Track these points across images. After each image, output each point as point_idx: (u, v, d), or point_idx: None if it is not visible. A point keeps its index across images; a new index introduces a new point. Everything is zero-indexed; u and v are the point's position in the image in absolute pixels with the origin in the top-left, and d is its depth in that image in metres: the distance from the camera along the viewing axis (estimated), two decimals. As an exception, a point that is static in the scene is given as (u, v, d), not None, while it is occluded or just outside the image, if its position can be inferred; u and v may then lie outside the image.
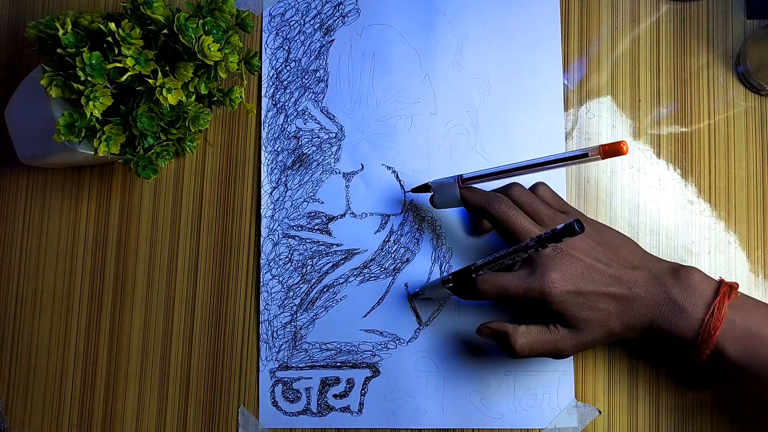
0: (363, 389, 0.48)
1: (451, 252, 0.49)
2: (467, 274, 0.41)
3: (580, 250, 0.40)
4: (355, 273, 0.49)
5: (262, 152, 0.50)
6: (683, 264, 0.41)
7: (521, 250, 0.37)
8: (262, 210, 0.50)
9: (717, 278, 0.41)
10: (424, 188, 0.47)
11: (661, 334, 0.40)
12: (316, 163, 0.50)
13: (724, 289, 0.39)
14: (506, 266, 0.40)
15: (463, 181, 0.44)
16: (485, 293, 0.41)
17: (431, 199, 0.47)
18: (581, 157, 0.38)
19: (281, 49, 0.51)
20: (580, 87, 0.50)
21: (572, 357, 0.48)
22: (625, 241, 0.43)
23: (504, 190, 0.43)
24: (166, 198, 0.50)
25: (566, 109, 0.50)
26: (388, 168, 0.50)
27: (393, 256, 0.49)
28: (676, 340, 0.39)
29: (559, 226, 0.34)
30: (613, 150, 0.37)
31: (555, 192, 0.45)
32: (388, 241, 0.49)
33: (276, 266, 0.49)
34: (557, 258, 0.39)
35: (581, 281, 0.39)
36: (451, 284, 0.43)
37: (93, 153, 0.42)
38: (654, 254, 0.43)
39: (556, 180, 0.49)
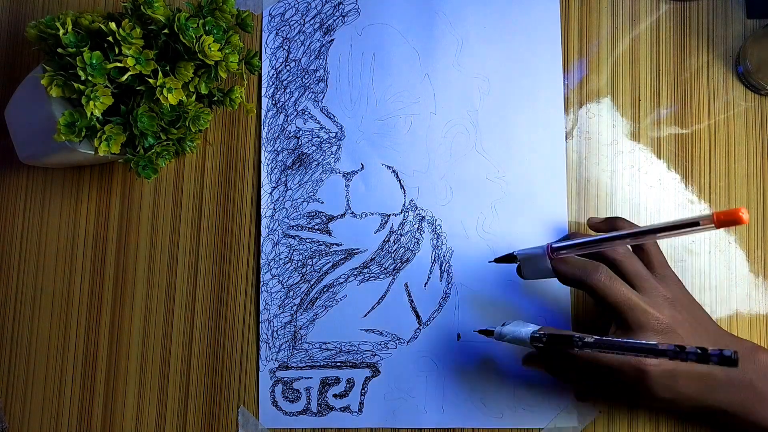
0: (363, 389, 0.48)
1: (451, 251, 0.49)
2: (568, 344, 0.37)
3: (679, 323, 0.39)
4: (355, 273, 0.49)
5: (262, 152, 0.50)
6: (757, 345, 0.41)
7: (647, 351, 0.33)
8: (262, 210, 0.50)
9: None
10: (509, 258, 0.44)
11: (734, 418, 0.39)
12: (316, 162, 0.50)
13: None
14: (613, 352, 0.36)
15: (554, 251, 0.40)
16: (582, 367, 0.39)
17: (518, 270, 0.43)
18: (690, 225, 0.34)
19: (281, 48, 0.51)
20: (580, 87, 0.51)
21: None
22: (711, 322, 0.42)
23: (606, 253, 0.41)
24: (166, 198, 0.50)
25: (566, 108, 0.50)
26: (388, 167, 0.50)
27: (393, 255, 0.49)
28: (750, 426, 0.39)
29: (712, 352, 0.31)
30: (729, 219, 0.32)
31: (659, 248, 0.43)
32: (388, 240, 0.49)
33: (276, 266, 0.49)
34: (658, 334, 0.38)
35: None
36: (541, 344, 0.39)
37: (93, 152, 0.42)
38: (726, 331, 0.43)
39: (557, 180, 0.49)
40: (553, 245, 0.40)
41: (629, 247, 0.42)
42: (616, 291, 0.38)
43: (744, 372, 0.39)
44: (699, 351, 0.31)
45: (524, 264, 0.43)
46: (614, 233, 0.38)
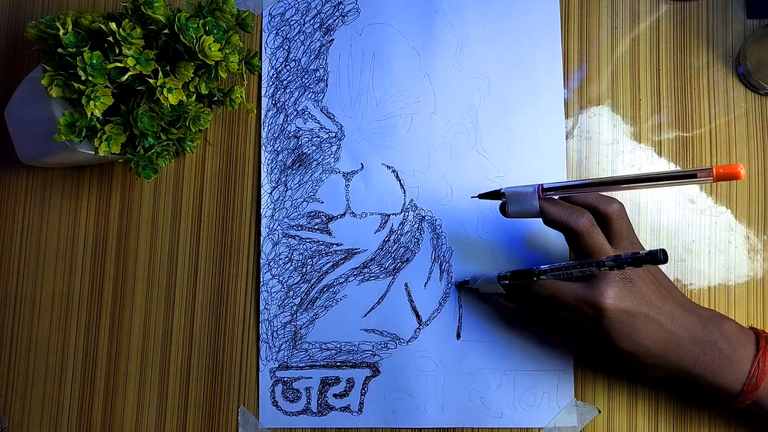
0: (363, 389, 0.48)
1: (451, 251, 0.49)
2: (528, 276, 0.41)
3: (642, 279, 0.40)
4: (355, 273, 0.49)
5: (262, 152, 0.50)
6: (724, 315, 0.42)
7: (596, 265, 0.37)
8: (262, 209, 0.50)
9: (749, 327, 0.42)
10: (494, 195, 0.43)
11: (700, 380, 0.40)
12: (316, 162, 0.50)
13: (763, 342, 0.40)
14: (568, 278, 0.39)
15: (544, 191, 0.41)
16: (541, 297, 0.41)
17: (502, 207, 0.43)
18: (688, 177, 0.36)
19: (281, 48, 0.51)
20: (580, 87, 0.51)
21: (571, 355, 0.48)
22: (676, 288, 0.43)
23: (600, 208, 0.41)
24: (166, 198, 0.50)
25: (566, 108, 0.50)
26: (388, 167, 0.50)
27: (393, 255, 0.49)
28: (717, 389, 0.40)
29: (643, 252, 0.34)
30: (727, 174, 0.34)
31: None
32: (388, 240, 0.49)
33: (276, 266, 0.49)
34: (617, 278, 0.39)
35: (637, 305, 0.39)
36: (507, 281, 0.43)
37: (93, 153, 0.42)
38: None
39: (557, 179, 0.49)
40: (545, 186, 0.41)
41: (623, 206, 0.42)
42: (594, 239, 0.39)
43: (709, 332, 0.39)
44: (632, 254, 0.35)
45: (510, 201, 0.42)
46: (609, 177, 0.40)
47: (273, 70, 0.51)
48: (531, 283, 0.41)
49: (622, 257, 0.36)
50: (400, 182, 0.50)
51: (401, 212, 0.50)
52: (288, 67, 0.51)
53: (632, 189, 0.39)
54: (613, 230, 0.41)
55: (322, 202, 0.50)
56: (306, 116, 0.50)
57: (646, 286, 0.40)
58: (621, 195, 0.50)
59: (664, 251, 0.34)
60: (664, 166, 0.50)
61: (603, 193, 0.41)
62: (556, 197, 0.41)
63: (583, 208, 0.41)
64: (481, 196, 0.44)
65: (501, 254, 0.49)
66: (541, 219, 0.41)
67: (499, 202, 0.43)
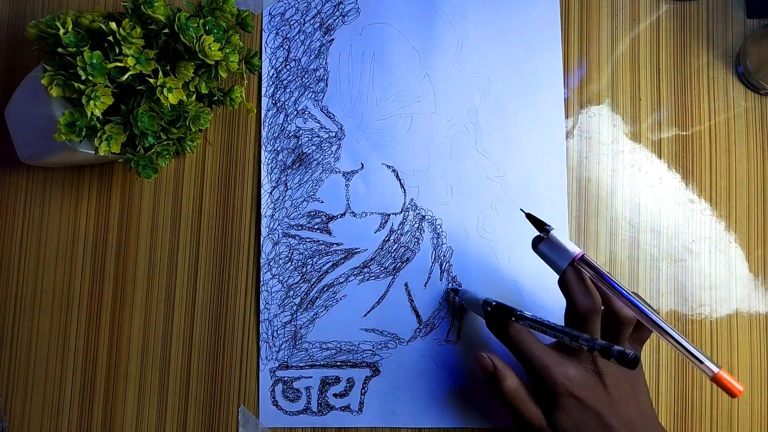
0: (363, 388, 0.48)
1: (451, 251, 0.49)
2: (509, 314, 0.40)
3: (613, 377, 0.39)
4: (355, 272, 0.49)
5: (262, 151, 0.50)
6: None
7: (570, 337, 0.36)
8: (262, 209, 0.50)
9: None
10: (539, 226, 0.41)
11: None
12: (316, 162, 0.50)
13: None
14: (543, 333, 0.38)
15: (580, 260, 0.39)
16: (510, 339, 0.40)
17: (536, 240, 0.42)
18: (697, 360, 0.35)
19: (281, 48, 0.51)
20: (580, 86, 0.51)
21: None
22: (649, 403, 0.41)
23: (613, 305, 0.39)
24: (166, 197, 0.50)
25: (566, 108, 0.50)
26: (388, 167, 0.50)
27: (393, 255, 0.49)
28: None
29: (615, 348, 0.33)
30: (727, 386, 0.34)
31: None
32: (388, 240, 0.49)
33: (276, 265, 0.49)
34: (588, 365, 0.39)
35: (595, 399, 0.38)
36: (489, 309, 0.42)
37: (93, 152, 0.42)
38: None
39: (557, 180, 0.49)
40: (585, 258, 0.39)
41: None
42: (590, 327, 0.39)
43: None
44: (605, 344, 0.33)
45: (548, 245, 0.41)
46: (650, 310, 0.37)
47: (273, 70, 0.51)
48: (509, 325, 0.41)
49: (596, 341, 0.34)
50: (400, 182, 0.50)
51: (401, 212, 0.49)
52: (288, 67, 0.51)
53: (647, 325, 0.37)
54: (621, 335, 0.39)
55: (322, 202, 0.50)
56: (306, 116, 0.50)
57: (615, 386, 0.39)
58: (620, 195, 0.50)
59: (635, 356, 0.32)
60: (665, 165, 0.50)
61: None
62: (586, 273, 0.40)
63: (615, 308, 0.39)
64: (529, 217, 0.42)
65: (501, 254, 0.49)
66: (561, 279, 0.40)
67: (535, 233, 0.42)
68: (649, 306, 0.38)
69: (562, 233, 0.41)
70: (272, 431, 0.48)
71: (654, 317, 0.37)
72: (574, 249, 0.40)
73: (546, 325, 0.37)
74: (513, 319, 0.40)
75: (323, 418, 0.48)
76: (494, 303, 0.42)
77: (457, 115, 0.50)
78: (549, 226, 0.41)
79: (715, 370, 0.34)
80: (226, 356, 0.49)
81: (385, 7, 0.51)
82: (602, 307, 0.39)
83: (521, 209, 0.44)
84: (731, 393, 0.34)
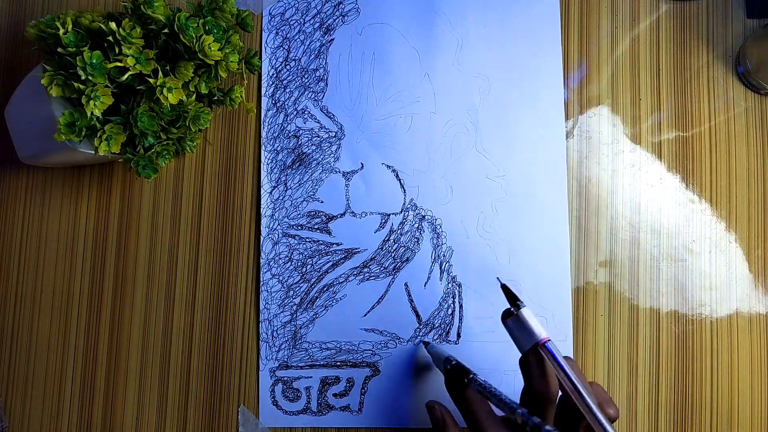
0: (363, 388, 0.48)
1: (451, 251, 0.49)
2: (462, 376, 0.40)
3: None
4: (355, 272, 0.49)
5: (262, 151, 0.50)
6: None
7: (509, 411, 0.35)
8: (261, 209, 0.50)
9: None
10: (511, 299, 0.40)
11: None
12: (315, 162, 0.50)
13: None
14: (496, 404, 0.37)
15: (542, 346, 0.38)
16: (463, 401, 0.40)
17: (506, 313, 0.41)
18: None
19: (281, 48, 0.51)
20: (581, 86, 0.51)
21: (571, 355, 0.48)
22: None
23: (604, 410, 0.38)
24: (166, 197, 0.50)
25: (567, 108, 0.50)
26: (388, 167, 0.50)
27: (393, 255, 0.49)
28: None
29: (545, 428, 0.33)
30: None
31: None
32: (388, 240, 0.49)
33: (276, 265, 0.49)
34: None
35: None
36: (448, 367, 0.42)
37: (93, 152, 0.42)
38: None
39: (557, 179, 0.49)
40: (548, 344, 0.38)
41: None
42: (545, 412, 0.38)
43: None
44: (538, 422, 0.33)
45: (517, 322, 0.40)
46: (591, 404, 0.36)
47: (273, 70, 0.51)
48: (466, 387, 0.40)
49: (529, 418, 0.34)
50: (400, 182, 0.50)
51: (401, 212, 0.49)
52: (288, 67, 0.51)
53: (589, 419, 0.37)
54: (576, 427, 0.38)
55: (322, 202, 0.50)
56: (306, 116, 0.50)
57: None
58: (620, 194, 0.50)
59: None
60: (665, 165, 0.50)
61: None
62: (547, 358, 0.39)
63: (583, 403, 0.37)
64: (504, 289, 0.41)
65: (501, 254, 0.49)
66: (522, 358, 0.39)
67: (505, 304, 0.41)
68: (603, 404, 0.37)
69: (531, 312, 0.39)
70: (272, 431, 0.48)
71: (601, 419, 0.35)
72: (540, 333, 0.39)
73: (491, 393, 0.37)
74: (465, 380, 0.40)
75: (323, 418, 0.48)
76: (454, 362, 0.42)
77: (457, 115, 0.50)
78: (522, 302, 0.40)
79: None
80: (226, 356, 0.49)
81: (385, 7, 0.51)
82: (560, 394, 0.38)
83: (498, 278, 0.44)
84: None
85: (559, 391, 0.38)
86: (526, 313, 0.39)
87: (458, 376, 0.41)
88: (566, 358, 0.39)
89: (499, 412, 0.40)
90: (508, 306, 0.40)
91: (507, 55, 0.51)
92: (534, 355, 0.38)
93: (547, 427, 0.33)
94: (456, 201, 0.49)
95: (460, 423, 0.42)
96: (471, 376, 0.40)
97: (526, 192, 0.49)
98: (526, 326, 0.39)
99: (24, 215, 0.50)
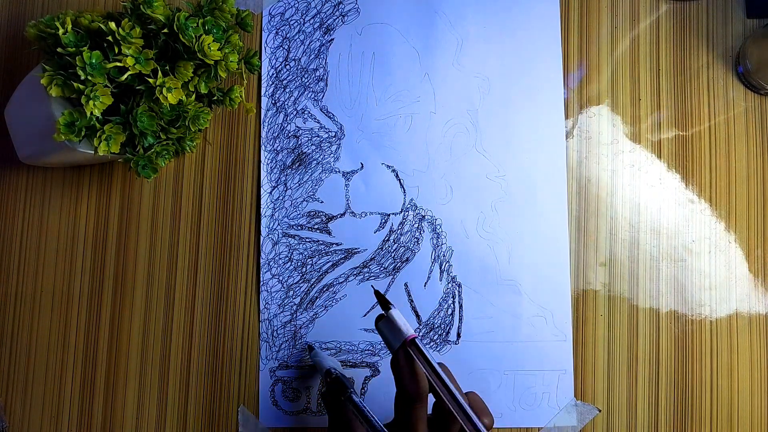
0: (363, 388, 0.48)
1: (451, 251, 0.49)
2: (342, 391, 0.40)
3: None
4: (354, 272, 0.49)
5: (262, 151, 0.50)
6: None
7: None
8: (261, 209, 0.50)
9: None
10: (383, 304, 0.40)
11: None
12: (315, 162, 0.50)
13: None
14: (366, 421, 0.38)
15: (410, 344, 0.38)
16: (339, 417, 0.40)
17: (378, 318, 0.40)
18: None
19: (281, 48, 0.51)
20: (580, 86, 0.50)
21: (571, 355, 0.48)
22: None
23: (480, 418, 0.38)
24: (165, 197, 0.50)
25: (566, 108, 0.50)
26: (388, 167, 0.50)
27: (393, 255, 0.49)
28: None
29: None
30: None
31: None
32: (388, 240, 0.49)
33: (276, 265, 0.49)
34: None
35: None
36: (328, 380, 0.41)
37: (93, 152, 0.42)
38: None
39: (557, 179, 0.49)
40: (417, 340, 0.38)
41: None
42: (414, 417, 0.38)
43: None
44: None
45: (388, 324, 0.39)
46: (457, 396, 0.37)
47: (273, 70, 0.51)
48: (345, 406, 0.39)
49: None
50: (399, 182, 0.50)
51: (401, 212, 0.49)
52: (288, 67, 0.51)
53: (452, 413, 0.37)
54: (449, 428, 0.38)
55: (322, 202, 0.50)
56: (306, 116, 0.50)
57: None
58: (620, 194, 0.50)
59: None
60: (664, 165, 0.50)
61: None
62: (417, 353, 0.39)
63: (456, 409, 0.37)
64: (377, 295, 0.41)
65: (501, 254, 0.49)
66: (392, 358, 0.39)
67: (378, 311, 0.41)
68: (478, 413, 0.37)
69: (400, 313, 0.39)
70: (272, 431, 0.48)
71: (471, 414, 0.36)
72: (408, 330, 0.38)
73: (364, 416, 0.37)
74: (342, 398, 0.39)
75: (323, 418, 0.48)
76: (334, 375, 0.41)
77: (456, 115, 0.50)
78: (392, 305, 0.40)
79: None
80: (226, 356, 0.49)
81: (385, 7, 0.51)
82: (433, 401, 0.38)
83: (372, 286, 0.45)
84: None
85: (432, 397, 0.38)
86: (395, 313, 0.39)
87: (337, 389, 0.40)
88: (439, 363, 0.39)
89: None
90: (379, 313, 0.40)
91: (507, 55, 0.51)
92: (404, 354, 0.38)
93: None
94: (456, 201, 0.49)
95: None
96: (348, 393, 0.39)
97: (526, 192, 0.49)
98: (395, 326, 0.39)
99: (24, 215, 0.50)
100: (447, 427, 0.38)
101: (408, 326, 0.39)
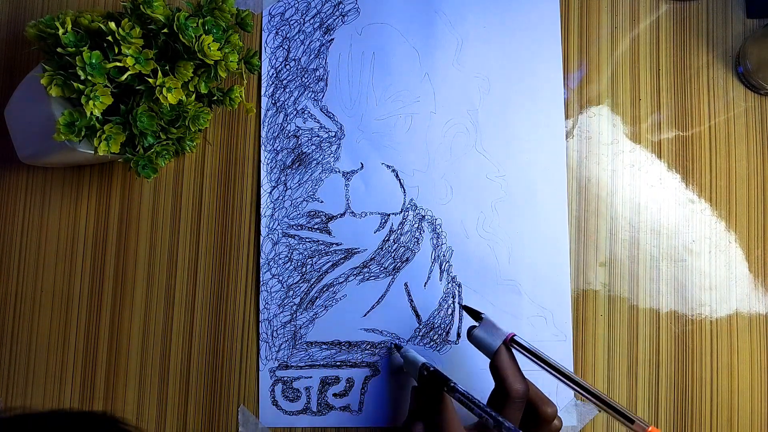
0: (363, 388, 0.48)
1: (451, 251, 0.49)
2: (443, 384, 0.40)
3: None
4: (354, 272, 0.49)
5: (262, 151, 0.50)
6: None
7: (493, 420, 0.36)
8: (261, 209, 0.50)
9: None
10: (474, 314, 0.43)
11: None
12: (315, 162, 0.50)
13: None
14: (470, 409, 0.38)
15: (512, 341, 0.41)
16: (439, 409, 0.40)
17: (470, 331, 0.42)
18: (627, 420, 0.36)
19: (281, 48, 0.51)
20: (580, 86, 0.50)
21: (571, 355, 0.48)
22: None
23: (540, 405, 0.40)
24: (165, 197, 0.50)
25: (566, 108, 0.50)
26: (388, 167, 0.50)
27: (393, 255, 0.49)
28: None
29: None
30: None
31: None
32: (388, 240, 0.49)
33: (276, 265, 0.49)
34: None
35: None
36: (425, 374, 0.42)
37: (93, 152, 0.42)
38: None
39: (557, 179, 0.49)
40: (516, 337, 0.40)
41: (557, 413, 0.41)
42: (514, 412, 0.39)
43: None
44: (508, 426, 0.35)
45: (483, 327, 0.42)
46: (570, 372, 0.39)
47: (273, 70, 0.51)
48: (444, 396, 0.40)
49: (504, 425, 0.35)
50: (399, 182, 0.50)
51: (401, 212, 0.49)
52: (288, 67, 0.51)
53: (579, 393, 0.38)
54: (537, 426, 0.40)
55: (322, 202, 0.50)
56: (306, 115, 0.50)
57: None
58: (620, 195, 0.50)
59: None
60: (665, 165, 0.50)
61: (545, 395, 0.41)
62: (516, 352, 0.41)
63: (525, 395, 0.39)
64: (465, 308, 0.44)
65: (501, 254, 0.49)
66: (494, 359, 0.41)
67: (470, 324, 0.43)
68: (582, 381, 0.38)
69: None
70: (272, 431, 0.48)
71: (586, 385, 0.37)
72: (506, 329, 0.41)
73: (474, 403, 0.38)
74: (445, 389, 0.40)
75: (323, 418, 0.48)
76: (432, 369, 0.42)
77: (457, 115, 0.50)
78: (483, 313, 0.43)
79: (645, 426, 0.35)
80: (226, 356, 0.49)
81: (385, 7, 0.51)
82: (529, 389, 0.40)
83: (459, 303, 0.47)
84: None
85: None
86: (489, 318, 0.42)
87: (437, 383, 0.41)
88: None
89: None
90: (470, 325, 0.42)
91: (507, 55, 0.51)
92: (506, 354, 0.40)
93: None
94: (456, 201, 0.49)
95: None
96: (451, 384, 0.40)
97: (526, 192, 0.49)
98: (494, 327, 0.41)
99: (24, 215, 0.50)
100: (538, 424, 0.40)
101: (502, 327, 0.41)
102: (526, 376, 0.40)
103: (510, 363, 0.40)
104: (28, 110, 0.45)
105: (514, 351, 0.41)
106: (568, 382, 0.38)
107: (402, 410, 0.48)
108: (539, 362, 0.39)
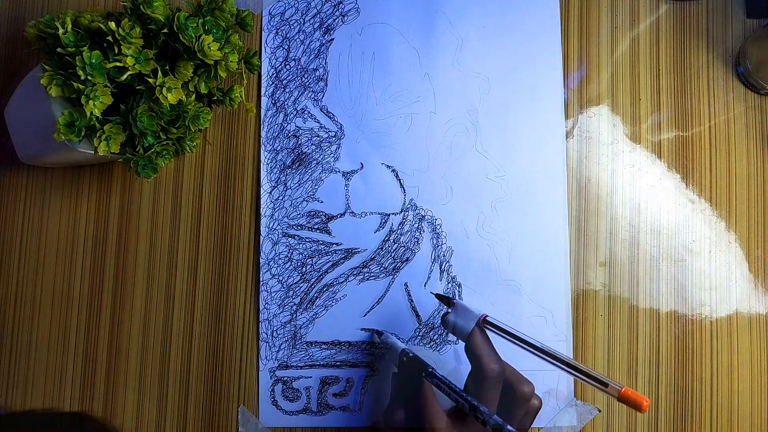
0: (362, 388, 0.48)
1: (451, 251, 0.49)
2: (421, 369, 0.41)
3: None
4: (354, 272, 0.49)
5: (262, 151, 0.50)
6: None
7: (469, 405, 0.37)
8: (261, 209, 0.50)
9: None
10: (446, 300, 0.44)
11: None
12: (315, 162, 0.50)
13: None
14: (447, 395, 0.39)
15: (484, 322, 0.41)
16: (418, 394, 0.40)
17: (443, 318, 0.43)
18: (601, 383, 0.36)
19: (281, 48, 0.51)
20: (580, 86, 0.50)
21: (571, 355, 0.48)
22: None
23: (516, 383, 0.41)
24: (165, 197, 0.50)
25: (566, 108, 0.50)
26: (388, 167, 0.50)
27: (393, 255, 0.49)
28: None
29: (507, 428, 0.35)
30: (631, 401, 0.34)
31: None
32: (388, 240, 0.49)
33: (275, 265, 0.49)
34: None
35: None
36: (404, 359, 0.43)
37: (93, 152, 0.42)
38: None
39: (557, 179, 0.49)
40: (488, 317, 0.41)
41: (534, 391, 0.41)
42: (491, 392, 0.39)
43: None
44: (500, 423, 0.35)
45: (456, 312, 0.42)
46: (542, 345, 0.39)
47: (273, 70, 0.51)
48: (423, 383, 0.40)
49: (492, 417, 0.35)
50: (399, 182, 0.50)
51: (401, 212, 0.49)
52: (288, 67, 0.51)
53: (554, 366, 0.38)
54: (514, 406, 0.40)
55: (322, 202, 0.50)
56: (305, 115, 0.50)
57: None
58: (620, 195, 0.50)
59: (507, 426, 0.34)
60: (664, 165, 0.50)
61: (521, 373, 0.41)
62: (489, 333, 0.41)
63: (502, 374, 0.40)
64: (436, 296, 0.45)
65: (501, 254, 0.49)
66: (468, 342, 0.41)
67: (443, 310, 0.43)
68: (555, 352, 0.38)
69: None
70: (272, 431, 0.48)
71: (560, 355, 0.38)
72: (479, 310, 0.41)
73: (451, 388, 0.38)
74: (423, 375, 0.40)
75: (323, 418, 0.48)
76: (411, 355, 0.43)
77: (456, 115, 0.50)
78: (455, 298, 0.43)
79: (620, 388, 0.35)
80: (226, 356, 0.49)
81: (385, 7, 0.51)
82: (505, 368, 0.40)
83: (431, 292, 0.47)
84: (638, 407, 0.34)
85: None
86: (461, 302, 0.43)
87: (415, 368, 0.41)
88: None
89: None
90: (444, 312, 0.43)
91: (507, 55, 0.51)
92: (480, 335, 0.41)
93: (508, 427, 0.34)
94: (456, 201, 0.49)
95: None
96: (429, 369, 0.40)
97: (526, 192, 0.49)
98: (466, 310, 0.42)
99: (24, 215, 0.50)
100: (513, 404, 0.40)
101: (474, 308, 0.42)
102: (502, 358, 0.40)
103: (484, 344, 0.40)
104: (28, 110, 0.45)
105: (489, 333, 0.41)
106: (541, 354, 0.38)
107: (402, 410, 0.48)
108: (512, 339, 0.40)
